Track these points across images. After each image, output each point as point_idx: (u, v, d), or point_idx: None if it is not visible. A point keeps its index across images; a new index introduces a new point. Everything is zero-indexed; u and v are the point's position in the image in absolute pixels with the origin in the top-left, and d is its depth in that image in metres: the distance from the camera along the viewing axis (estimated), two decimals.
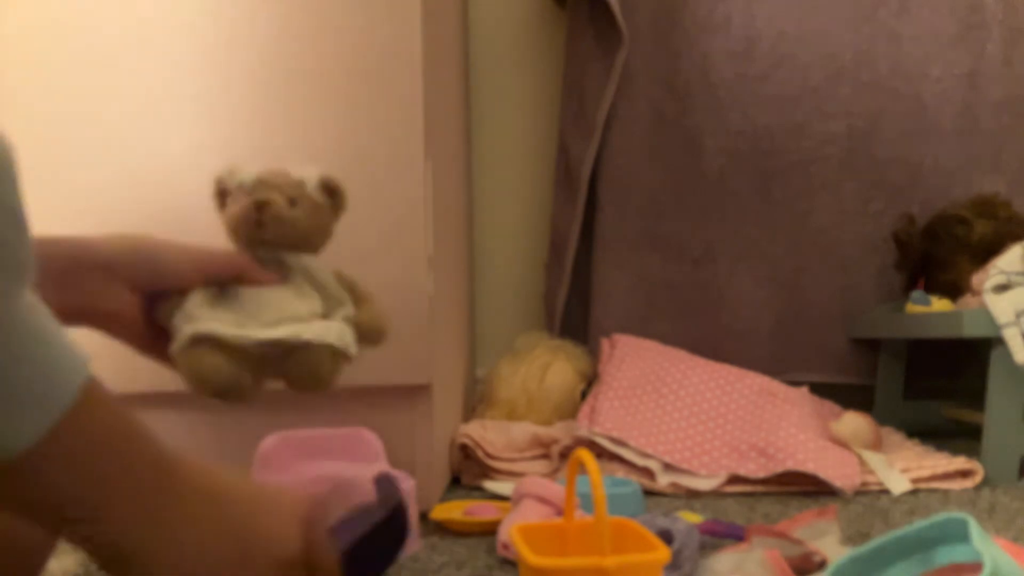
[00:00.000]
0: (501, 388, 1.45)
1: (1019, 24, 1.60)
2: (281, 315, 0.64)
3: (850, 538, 0.85)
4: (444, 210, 1.13)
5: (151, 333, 0.61)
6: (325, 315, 0.67)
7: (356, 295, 0.70)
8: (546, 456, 1.23)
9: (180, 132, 0.96)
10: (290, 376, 0.64)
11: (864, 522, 0.94)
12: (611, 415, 1.25)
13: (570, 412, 1.41)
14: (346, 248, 0.95)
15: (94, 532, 0.42)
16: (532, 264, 1.75)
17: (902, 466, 1.14)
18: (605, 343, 1.49)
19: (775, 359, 1.59)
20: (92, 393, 0.40)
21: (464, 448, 1.17)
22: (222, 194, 0.69)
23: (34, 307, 0.37)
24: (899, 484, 1.09)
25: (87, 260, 0.56)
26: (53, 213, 0.94)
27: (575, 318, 1.65)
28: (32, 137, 0.95)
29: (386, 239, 0.95)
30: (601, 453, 1.20)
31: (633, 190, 1.61)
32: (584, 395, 1.42)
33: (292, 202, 0.67)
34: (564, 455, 1.21)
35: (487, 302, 1.76)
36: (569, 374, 1.46)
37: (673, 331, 1.57)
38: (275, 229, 0.66)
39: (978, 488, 1.10)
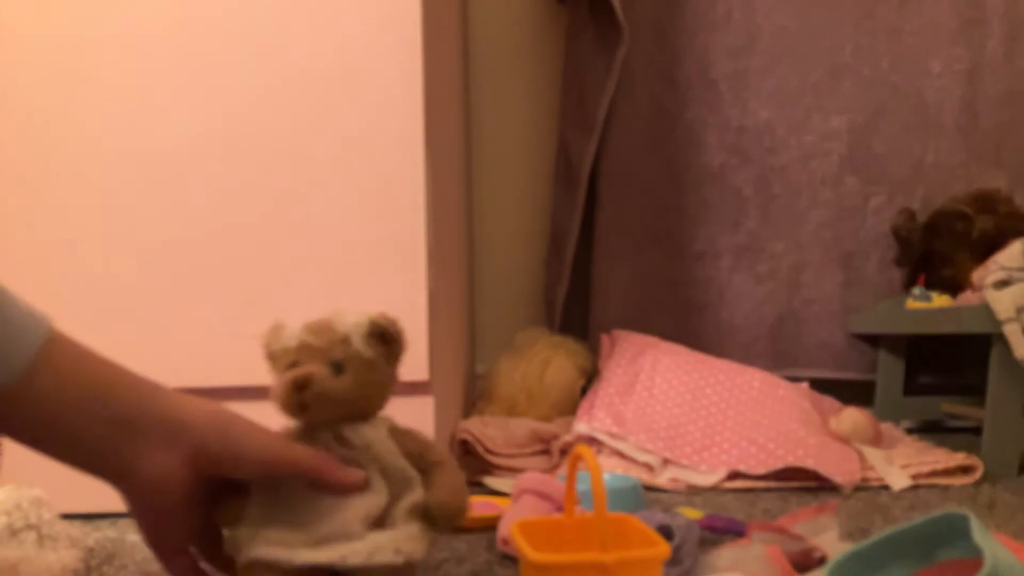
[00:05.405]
0: (501, 384, 1.45)
1: (1020, 19, 1.59)
2: (335, 524, 0.58)
3: (850, 534, 0.85)
4: (444, 207, 1.13)
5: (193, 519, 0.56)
6: (391, 502, 0.61)
7: (427, 463, 0.63)
8: (546, 452, 1.23)
9: (179, 132, 0.95)
10: None
11: (864, 518, 0.94)
12: (611, 411, 1.25)
13: (570, 408, 1.42)
14: (347, 246, 0.96)
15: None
16: (532, 260, 1.75)
17: (902, 462, 1.14)
18: (605, 339, 1.49)
19: (775, 355, 1.59)
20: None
21: (464, 444, 1.17)
22: (271, 357, 0.63)
23: None
24: (899, 480, 1.09)
25: (154, 419, 0.51)
26: (52, 210, 0.95)
27: (575, 314, 1.65)
28: (30, 135, 0.95)
29: (386, 236, 0.95)
30: (601, 449, 1.20)
31: (633, 186, 1.61)
32: (584, 391, 1.42)
33: (338, 367, 0.60)
34: (564, 451, 1.21)
35: (487, 298, 1.76)
36: (569, 370, 1.46)
37: (673, 327, 1.57)
38: (320, 409, 0.59)
39: (978, 484, 1.10)
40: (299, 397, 0.59)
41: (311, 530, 0.59)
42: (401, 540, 0.59)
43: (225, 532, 0.59)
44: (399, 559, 0.58)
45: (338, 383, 0.60)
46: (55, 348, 0.48)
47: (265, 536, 0.58)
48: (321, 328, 0.62)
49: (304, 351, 0.61)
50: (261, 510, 0.60)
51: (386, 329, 0.62)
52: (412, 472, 0.62)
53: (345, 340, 0.61)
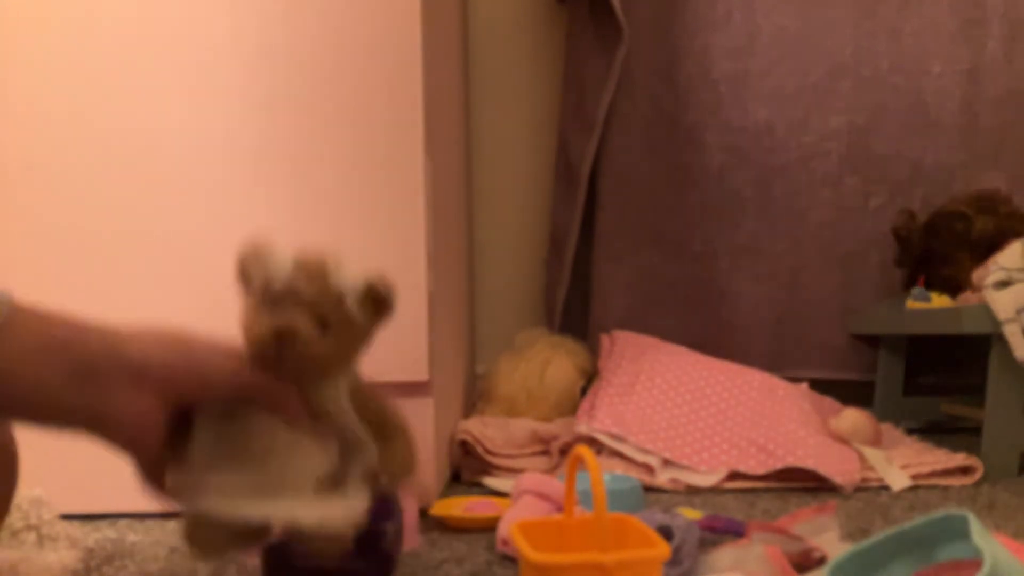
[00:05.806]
0: (501, 384, 1.45)
1: (1020, 19, 1.59)
2: (284, 473, 0.57)
3: (850, 534, 0.86)
4: (444, 207, 1.13)
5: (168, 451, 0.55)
6: (342, 464, 0.59)
7: (386, 429, 0.61)
8: (546, 452, 1.23)
9: (178, 131, 0.95)
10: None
11: (864, 518, 0.94)
12: (611, 411, 1.25)
13: (570, 408, 1.41)
14: (347, 246, 0.95)
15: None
16: (532, 261, 1.75)
17: (902, 462, 1.14)
18: (605, 339, 1.49)
19: (775, 355, 1.59)
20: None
21: (464, 444, 1.17)
22: (245, 278, 0.59)
23: None
24: (899, 480, 1.09)
25: (114, 361, 0.50)
26: (50, 207, 0.95)
27: (575, 314, 1.64)
28: (27, 132, 0.95)
29: (386, 236, 0.95)
30: (601, 449, 1.20)
31: (633, 186, 1.61)
32: (584, 391, 1.42)
33: (323, 324, 0.56)
34: (564, 451, 1.21)
35: (487, 298, 1.76)
36: (569, 370, 1.46)
37: (673, 327, 1.57)
38: (296, 365, 0.56)
39: (978, 484, 1.10)
40: (279, 350, 0.55)
41: (258, 471, 0.57)
42: (355, 510, 0.57)
43: (168, 477, 0.57)
44: (349, 532, 0.57)
45: (321, 345, 0.56)
46: (15, 314, 0.48)
47: (208, 483, 0.56)
48: (314, 274, 0.57)
49: (291, 296, 0.56)
50: (205, 449, 0.57)
51: (380, 292, 0.59)
52: (364, 437, 0.60)
53: (338, 299, 0.57)
